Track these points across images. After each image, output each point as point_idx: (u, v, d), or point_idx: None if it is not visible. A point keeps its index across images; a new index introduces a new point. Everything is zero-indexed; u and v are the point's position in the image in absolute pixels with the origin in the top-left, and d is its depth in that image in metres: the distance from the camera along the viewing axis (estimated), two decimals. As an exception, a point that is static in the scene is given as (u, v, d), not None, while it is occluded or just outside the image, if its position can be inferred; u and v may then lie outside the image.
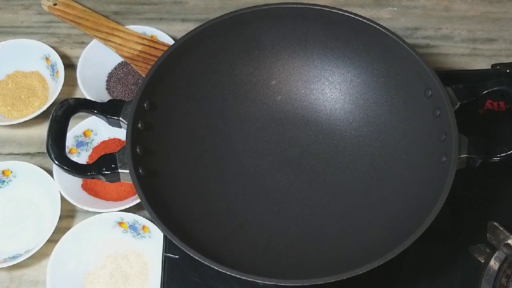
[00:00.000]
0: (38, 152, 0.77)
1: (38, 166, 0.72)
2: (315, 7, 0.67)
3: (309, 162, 0.70)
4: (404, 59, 0.65)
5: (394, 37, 0.65)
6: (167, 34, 0.82)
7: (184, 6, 0.89)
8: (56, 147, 0.59)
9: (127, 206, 0.69)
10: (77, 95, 0.81)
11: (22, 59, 0.82)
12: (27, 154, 0.77)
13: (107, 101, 0.64)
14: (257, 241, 0.64)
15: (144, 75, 0.72)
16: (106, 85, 0.81)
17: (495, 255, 0.64)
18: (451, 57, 0.84)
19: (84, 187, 0.72)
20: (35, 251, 0.67)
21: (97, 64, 0.81)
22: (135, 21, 0.87)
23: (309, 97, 0.72)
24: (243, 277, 0.54)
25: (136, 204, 0.69)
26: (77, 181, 0.72)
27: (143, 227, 0.68)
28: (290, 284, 0.54)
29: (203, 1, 0.90)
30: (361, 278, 0.54)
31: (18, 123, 0.76)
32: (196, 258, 0.54)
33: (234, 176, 0.69)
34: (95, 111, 0.63)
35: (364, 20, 0.66)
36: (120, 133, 0.75)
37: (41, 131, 0.78)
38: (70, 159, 0.60)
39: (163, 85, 0.65)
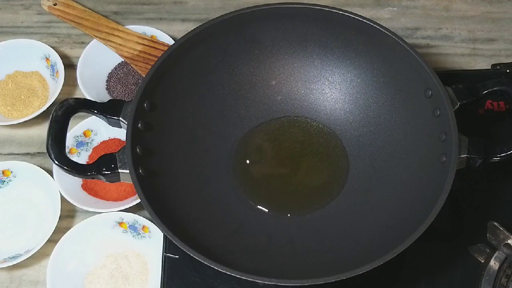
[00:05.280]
0: (38, 152, 0.77)
1: (38, 166, 0.72)
2: (315, 7, 0.67)
3: (309, 162, 0.70)
4: (404, 59, 0.65)
5: (394, 37, 0.65)
6: (167, 34, 0.82)
7: (184, 6, 0.90)
8: (56, 147, 0.59)
9: (127, 206, 0.69)
10: (77, 95, 0.81)
11: (22, 59, 0.82)
12: (27, 154, 0.77)
13: (107, 101, 0.64)
14: (257, 241, 0.64)
15: (144, 75, 0.72)
16: (106, 85, 0.81)
17: (495, 255, 0.64)
18: (451, 57, 0.84)
19: (84, 187, 0.72)
20: (35, 251, 0.67)
21: (97, 64, 0.81)
22: (135, 21, 0.87)
23: (309, 97, 0.72)
24: (243, 277, 0.54)
25: (136, 204, 0.69)
26: (77, 181, 0.72)
27: (143, 227, 0.68)
28: (290, 284, 0.54)
29: (203, 1, 0.90)
30: (361, 278, 0.54)
31: (18, 123, 0.76)
32: (196, 258, 0.54)
33: (234, 175, 0.69)
34: (95, 111, 0.63)
35: (364, 20, 0.66)
36: (120, 133, 0.75)
37: (41, 131, 0.79)
38: (70, 159, 0.60)
39: (163, 85, 0.65)
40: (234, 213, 0.66)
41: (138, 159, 0.60)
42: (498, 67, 0.80)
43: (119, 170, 0.59)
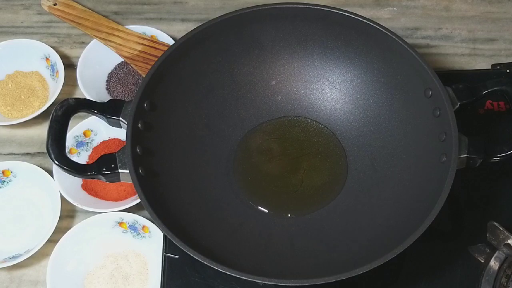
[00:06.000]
0: (38, 152, 0.77)
1: (38, 166, 0.72)
2: (315, 7, 0.67)
3: (309, 162, 0.70)
4: (404, 59, 0.65)
5: (394, 37, 0.65)
6: (167, 34, 0.82)
7: (184, 6, 0.90)
8: (56, 147, 0.59)
9: (127, 206, 0.69)
10: (77, 95, 0.81)
11: (22, 59, 0.82)
12: (27, 154, 0.77)
13: (107, 101, 0.64)
14: (257, 241, 0.64)
15: (144, 75, 0.72)
16: (106, 85, 0.81)
17: (495, 255, 0.64)
18: (451, 57, 0.84)
19: (84, 187, 0.72)
20: (35, 251, 0.67)
21: (97, 64, 0.81)
22: (135, 21, 0.87)
23: (309, 97, 0.72)
24: (243, 277, 0.54)
25: (136, 204, 0.69)
26: (77, 181, 0.72)
27: (143, 227, 0.68)
28: (290, 284, 0.54)
29: (203, 1, 0.90)
30: (361, 278, 0.54)
31: (18, 123, 0.76)
32: (196, 258, 0.54)
33: (234, 175, 0.69)
34: (95, 111, 0.63)
35: (364, 20, 0.66)
36: (120, 133, 0.75)
37: (41, 131, 0.79)
38: (70, 159, 0.60)
39: (163, 85, 0.65)
40: (234, 213, 0.66)
41: (138, 159, 0.60)
42: (498, 67, 0.80)
43: (119, 170, 0.59)
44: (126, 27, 0.83)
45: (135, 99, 0.62)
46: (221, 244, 0.61)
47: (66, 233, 0.68)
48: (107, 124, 0.64)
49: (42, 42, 0.82)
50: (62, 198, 0.69)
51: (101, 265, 0.69)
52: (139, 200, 0.66)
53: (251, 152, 0.70)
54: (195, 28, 0.66)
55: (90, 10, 0.85)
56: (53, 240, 0.67)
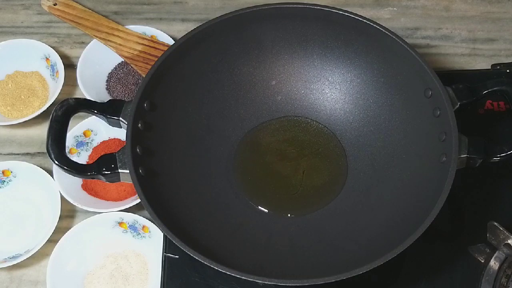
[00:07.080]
0: (38, 152, 0.77)
1: (38, 166, 0.72)
2: (315, 7, 0.67)
3: (309, 162, 0.70)
4: (404, 59, 0.65)
5: (394, 37, 0.65)
6: (167, 34, 0.82)
7: (184, 6, 0.90)
8: (56, 147, 0.59)
9: (127, 206, 0.69)
10: (77, 95, 0.81)
11: (22, 59, 0.82)
12: (27, 154, 0.77)
13: (107, 101, 0.64)
14: (257, 241, 0.64)
15: (144, 75, 0.72)
16: (106, 85, 0.81)
17: (495, 255, 0.64)
18: (451, 57, 0.84)
19: (84, 187, 0.72)
20: (35, 251, 0.67)
21: (97, 64, 0.81)
22: (135, 21, 0.87)
23: (309, 97, 0.72)
24: (243, 277, 0.54)
25: (136, 204, 0.69)
26: (77, 181, 0.72)
27: (143, 227, 0.68)
28: (290, 284, 0.54)
29: (203, 1, 0.90)
30: (361, 278, 0.54)
31: (18, 123, 0.76)
32: (196, 258, 0.54)
33: (234, 176, 0.69)
34: (95, 111, 0.63)
35: (364, 20, 0.66)
36: (120, 133, 0.75)
37: (41, 131, 0.79)
38: (70, 159, 0.60)
39: (163, 85, 0.65)
40: (234, 213, 0.66)
41: (138, 159, 0.60)
42: (498, 67, 0.80)
43: (119, 170, 0.59)
44: (126, 27, 0.83)
45: (135, 99, 0.62)
46: (221, 244, 0.61)
47: (66, 233, 0.68)
48: (107, 124, 0.64)
49: (42, 42, 0.82)
50: (62, 198, 0.69)
51: (101, 265, 0.69)
52: (139, 200, 0.66)
53: (251, 152, 0.70)
54: (195, 28, 0.66)
55: (90, 10, 0.85)
56: (53, 240, 0.67)
